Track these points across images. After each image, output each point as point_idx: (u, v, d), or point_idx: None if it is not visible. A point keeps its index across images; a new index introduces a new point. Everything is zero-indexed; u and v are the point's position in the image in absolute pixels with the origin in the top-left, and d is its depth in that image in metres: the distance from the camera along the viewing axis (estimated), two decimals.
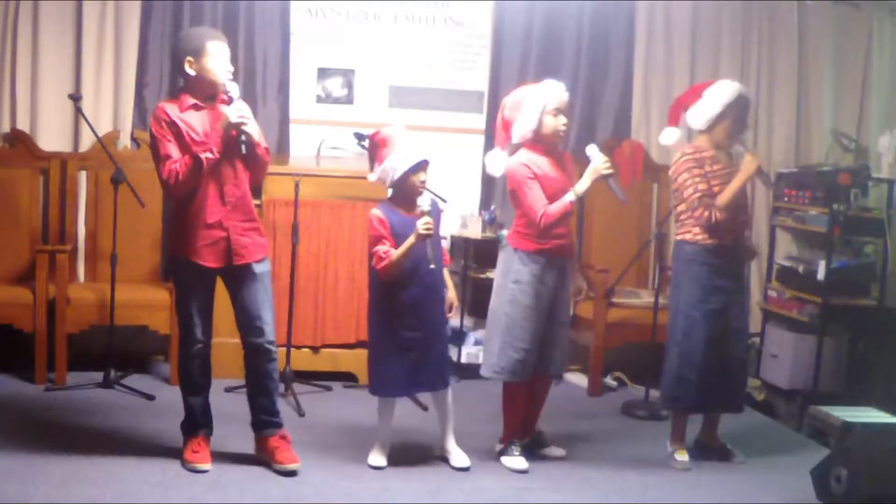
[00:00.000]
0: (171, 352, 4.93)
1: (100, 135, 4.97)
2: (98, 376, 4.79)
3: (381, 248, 3.81)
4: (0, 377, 4.86)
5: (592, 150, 4.00)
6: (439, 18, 5.76)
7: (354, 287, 5.11)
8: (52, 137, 5.25)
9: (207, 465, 3.83)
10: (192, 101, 3.74)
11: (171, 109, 3.71)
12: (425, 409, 4.64)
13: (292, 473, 3.84)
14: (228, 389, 4.76)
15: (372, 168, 3.97)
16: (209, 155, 3.64)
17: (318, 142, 5.48)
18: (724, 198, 4.11)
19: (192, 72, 3.71)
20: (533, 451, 4.25)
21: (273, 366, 3.92)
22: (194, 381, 3.90)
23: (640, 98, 5.88)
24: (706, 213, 4.10)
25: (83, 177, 5.24)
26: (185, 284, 3.84)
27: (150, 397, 4.70)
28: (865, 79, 5.96)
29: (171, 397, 4.69)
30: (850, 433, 4.30)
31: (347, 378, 5.17)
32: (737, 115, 4.17)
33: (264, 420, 3.94)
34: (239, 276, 3.83)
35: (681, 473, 4.18)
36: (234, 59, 5.30)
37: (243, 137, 3.64)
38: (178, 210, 3.82)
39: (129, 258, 5.03)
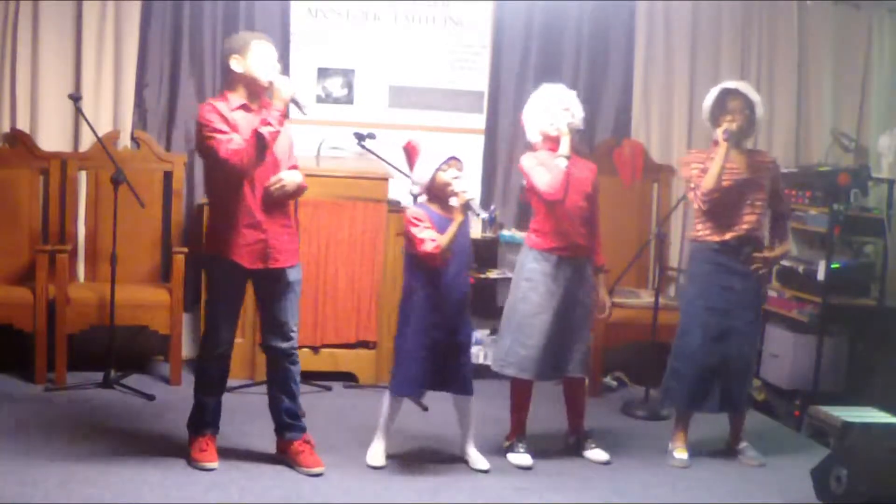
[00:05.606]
0: (171, 352, 4.93)
1: (100, 135, 4.96)
2: (98, 376, 4.79)
3: (428, 234, 3.81)
4: (0, 377, 4.86)
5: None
6: (439, 18, 5.76)
7: (354, 287, 5.11)
8: (52, 137, 5.24)
9: (215, 464, 3.83)
10: (239, 101, 3.74)
11: (221, 106, 3.70)
12: (425, 409, 4.64)
13: (317, 476, 3.85)
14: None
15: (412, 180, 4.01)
16: (271, 128, 3.64)
17: (318, 142, 5.48)
18: (705, 183, 4.12)
19: (238, 68, 3.71)
20: (577, 452, 4.28)
21: (297, 369, 3.93)
22: (213, 382, 3.88)
23: (640, 98, 5.88)
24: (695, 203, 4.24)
25: (83, 177, 5.24)
26: (218, 284, 3.81)
27: (150, 397, 4.69)
28: (865, 79, 5.96)
29: (171, 397, 4.71)
30: (850, 433, 4.30)
31: (347, 378, 5.17)
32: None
33: (288, 423, 3.92)
34: (272, 280, 3.81)
35: (681, 473, 4.19)
36: None
37: (301, 102, 3.73)
38: (218, 208, 3.78)
39: (129, 258, 5.03)
